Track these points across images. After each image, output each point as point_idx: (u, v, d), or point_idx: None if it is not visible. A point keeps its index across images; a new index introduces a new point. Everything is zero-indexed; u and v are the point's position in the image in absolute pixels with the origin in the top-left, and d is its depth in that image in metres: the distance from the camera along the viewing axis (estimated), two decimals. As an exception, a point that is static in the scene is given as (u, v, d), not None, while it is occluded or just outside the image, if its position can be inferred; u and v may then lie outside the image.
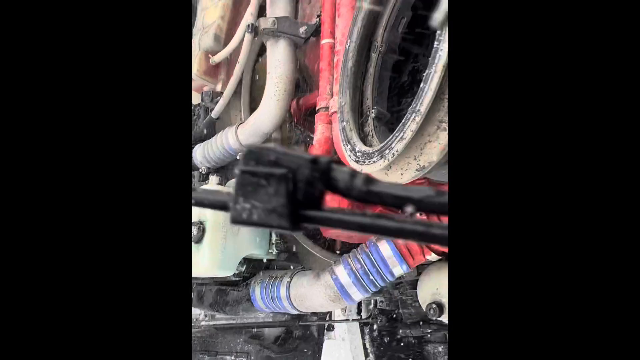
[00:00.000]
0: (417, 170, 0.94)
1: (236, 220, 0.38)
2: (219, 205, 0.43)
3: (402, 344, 2.45)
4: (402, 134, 0.89)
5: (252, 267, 1.88)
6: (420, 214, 1.04)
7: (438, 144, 0.88)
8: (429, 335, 2.43)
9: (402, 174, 0.96)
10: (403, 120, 0.90)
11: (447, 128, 0.84)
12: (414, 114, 0.86)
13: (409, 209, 0.32)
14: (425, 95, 0.84)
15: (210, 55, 1.83)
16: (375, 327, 2.40)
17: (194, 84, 1.87)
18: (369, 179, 0.35)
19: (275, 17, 1.62)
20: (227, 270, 1.70)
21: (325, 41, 1.54)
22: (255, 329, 2.34)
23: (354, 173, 0.35)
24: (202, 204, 0.46)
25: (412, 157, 0.91)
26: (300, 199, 0.36)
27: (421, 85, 0.85)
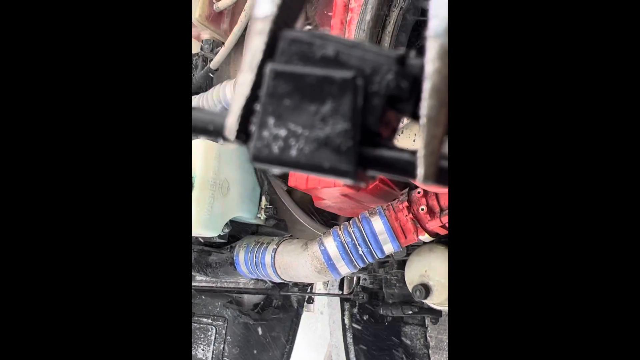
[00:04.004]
0: (431, 138, 0.86)
1: (260, 157, 0.22)
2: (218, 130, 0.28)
3: (385, 322, 2.44)
4: (421, 95, 0.81)
5: (237, 231, 1.81)
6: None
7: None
8: (409, 318, 2.42)
9: (414, 140, 0.88)
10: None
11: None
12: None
13: None
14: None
15: (214, 1, 1.71)
16: (356, 303, 2.38)
17: (193, 31, 1.76)
18: None
19: (288, -34, 1.50)
20: (212, 231, 1.63)
21: (340, -3, 1.43)
22: (235, 295, 2.29)
23: None
24: (202, 129, 0.36)
25: (428, 122, 0.83)
26: (372, 126, 0.20)
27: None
